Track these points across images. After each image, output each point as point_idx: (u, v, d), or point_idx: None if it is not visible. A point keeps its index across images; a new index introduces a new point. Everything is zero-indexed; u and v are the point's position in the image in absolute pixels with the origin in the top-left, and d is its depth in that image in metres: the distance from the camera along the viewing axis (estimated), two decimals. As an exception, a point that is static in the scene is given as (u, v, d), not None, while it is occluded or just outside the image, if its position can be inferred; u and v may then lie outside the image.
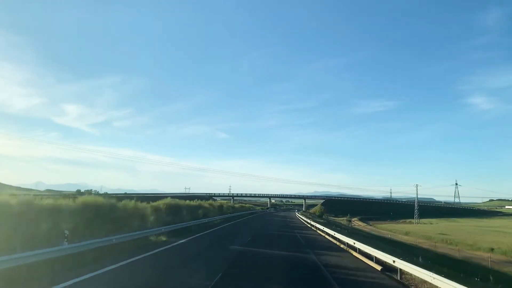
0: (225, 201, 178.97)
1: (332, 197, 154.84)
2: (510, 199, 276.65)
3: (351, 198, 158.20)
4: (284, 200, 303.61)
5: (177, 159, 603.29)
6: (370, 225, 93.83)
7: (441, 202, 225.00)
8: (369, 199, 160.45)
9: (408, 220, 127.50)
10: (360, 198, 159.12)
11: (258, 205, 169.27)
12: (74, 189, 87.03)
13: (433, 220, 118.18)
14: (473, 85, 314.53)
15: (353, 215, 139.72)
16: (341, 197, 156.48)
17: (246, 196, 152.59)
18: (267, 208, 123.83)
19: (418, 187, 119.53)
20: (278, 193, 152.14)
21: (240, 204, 67.87)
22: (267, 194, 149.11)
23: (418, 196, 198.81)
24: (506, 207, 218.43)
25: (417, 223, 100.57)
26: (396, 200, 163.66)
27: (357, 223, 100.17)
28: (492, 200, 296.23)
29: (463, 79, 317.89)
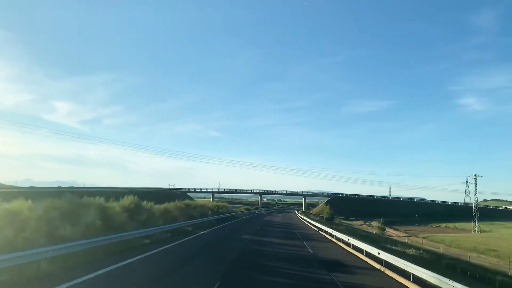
0: (206, 199, 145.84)
1: (339, 194, 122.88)
2: (504, 200, 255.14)
3: (361, 196, 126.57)
4: (276, 198, 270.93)
5: (167, 157, 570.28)
6: (407, 235, 62.32)
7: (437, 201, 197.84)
8: (384, 197, 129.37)
9: (443, 225, 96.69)
10: (372, 197, 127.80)
11: (247, 204, 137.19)
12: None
13: (484, 226, 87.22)
14: (466, 86, 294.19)
15: (368, 217, 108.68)
16: (350, 195, 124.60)
17: (231, 192, 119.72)
18: (256, 209, 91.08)
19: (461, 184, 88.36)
20: (271, 189, 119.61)
21: (186, 202, 35.12)
22: (257, 190, 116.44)
23: (412, 197, 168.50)
24: (503, 207, 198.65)
25: (478, 231, 68.95)
26: (420, 200, 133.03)
27: (388, 231, 68.01)
28: (486, 200, 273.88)
29: (456, 80, 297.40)
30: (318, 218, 67.67)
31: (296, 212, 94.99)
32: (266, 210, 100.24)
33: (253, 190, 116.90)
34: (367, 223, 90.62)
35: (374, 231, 60.46)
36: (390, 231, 67.12)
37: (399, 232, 65.94)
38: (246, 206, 77.10)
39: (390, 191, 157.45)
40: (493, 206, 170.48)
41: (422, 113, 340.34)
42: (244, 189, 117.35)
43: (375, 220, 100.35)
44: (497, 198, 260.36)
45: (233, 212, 46.59)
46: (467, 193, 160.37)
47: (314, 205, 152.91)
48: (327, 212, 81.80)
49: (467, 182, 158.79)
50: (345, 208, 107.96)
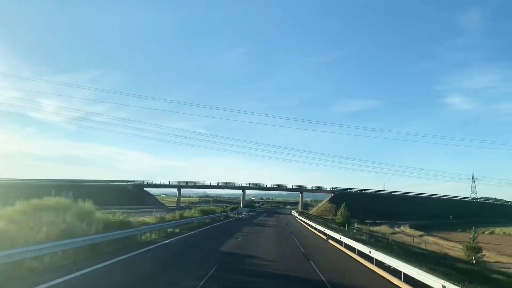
0: (166, 197, 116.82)
1: (346, 190, 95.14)
2: (492, 198, 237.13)
3: (374, 192, 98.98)
4: (265, 196, 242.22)
5: (156, 155, 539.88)
6: None
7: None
8: (403, 194, 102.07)
9: (498, 230, 69.82)
10: (387, 193, 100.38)
11: (233, 203, 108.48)
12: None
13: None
14: (452, 85, 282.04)
15: (388, 219, 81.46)
16: (360, 191, 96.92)
17: (203, 186, 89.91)
18: (234, 209, 61.94)
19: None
20: (258, 183, 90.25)
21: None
22: (239, 184, 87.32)
23: (398, 192, 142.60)
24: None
25: None
26: (446, 197, 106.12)
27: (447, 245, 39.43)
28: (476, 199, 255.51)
29: (442, 79, 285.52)
30: (335, 225, 39.26)
31: (294, 213, 66.57)
32: (251, 211, 71.39)
33: (235, 183, 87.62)
34: (398, 229, 62.75)
35: (453, 252, 32.43)
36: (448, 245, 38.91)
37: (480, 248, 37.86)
38: (209, 207, 46.25)
39: (384, 188, 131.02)
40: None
41: (409, 112, 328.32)
42: (222, 183, 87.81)
43: (404, 224, 72.84)
44: (485, 197, 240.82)
45: (129, 227, 16.29)
46: (472, 189, 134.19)
47: (308, 204, 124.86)
48: (341, 214, 53.39)
49: (473, 178, 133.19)
50: (356, 208, 79.68)
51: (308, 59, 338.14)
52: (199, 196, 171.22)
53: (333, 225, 52.81)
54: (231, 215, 45.58)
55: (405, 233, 57.73)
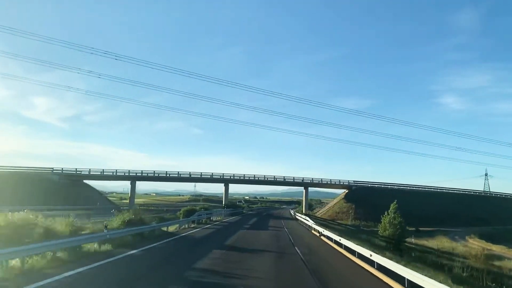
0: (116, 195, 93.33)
1: (367, 184, 70.81)
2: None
3: (405, 187, 74.43)
4: (259, 196, 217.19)
5: (150, 155, 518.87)
6: None
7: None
8: (438, 189, 77.80)
9: None
10: (420, 188, 76.01)
11: (218, 202, 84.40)
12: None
13: None
14: (445, 85, 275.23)
15: (432, 225, 57.76)
16: (385, 186, 72.29)
17: (172, 177, 64.52)
18: (194, 212, 35.82)
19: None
20: (248, 174, 65.04)
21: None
22: (221, 175, 62.47)
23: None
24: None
25: None
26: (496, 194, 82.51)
27: None
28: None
29: (436, 79, 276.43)
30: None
31: (302, 218, 41.48)
32: (233, 214, 46.77)
33: (214, 174, 62.82)
34: (472, 243, 38.41)
35: None
36: None
37: None
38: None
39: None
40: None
41: (403, 111, 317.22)
42: (196, 173, 62.77)
43: (473, 235, 48.63)
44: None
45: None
46: (486, 187, 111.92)
47: (313, 206, 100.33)
48: (389, 222, 28.96)
49: (486, 175, 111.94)
50: (382, 209, 54.75)
51: (304, 58, 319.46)
52: (191, 195, 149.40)
53: (379, 242, 28.84)
54: (173, 230, 20.64)
55: (495, 252, 33.48)
